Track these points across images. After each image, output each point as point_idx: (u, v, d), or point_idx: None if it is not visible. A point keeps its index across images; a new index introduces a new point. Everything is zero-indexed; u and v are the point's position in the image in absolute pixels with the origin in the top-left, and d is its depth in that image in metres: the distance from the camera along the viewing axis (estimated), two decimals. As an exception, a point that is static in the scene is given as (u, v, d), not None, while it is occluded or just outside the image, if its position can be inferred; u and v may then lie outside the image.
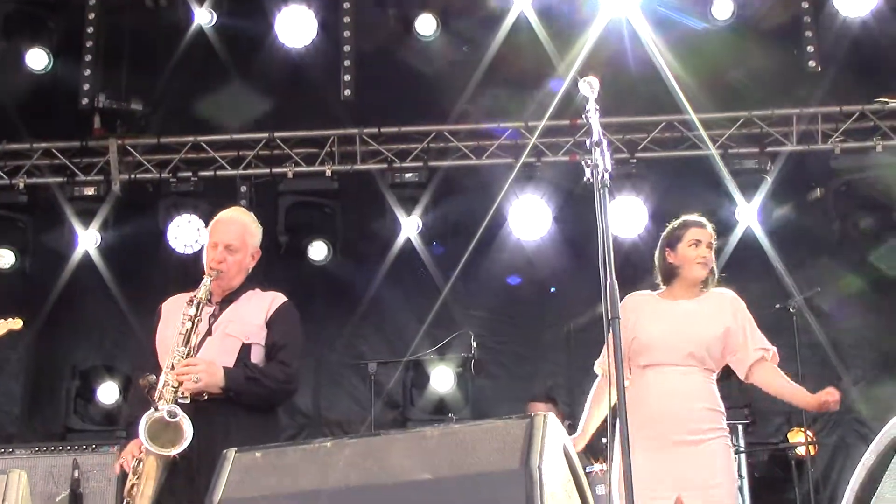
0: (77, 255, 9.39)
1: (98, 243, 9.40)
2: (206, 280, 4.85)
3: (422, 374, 9.46)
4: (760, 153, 9.16)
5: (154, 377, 4.66)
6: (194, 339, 4.75)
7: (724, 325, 5.15)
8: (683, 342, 5.01)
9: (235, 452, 3.45)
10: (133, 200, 9.54)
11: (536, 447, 3.06)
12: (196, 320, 4.76)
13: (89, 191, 9.39)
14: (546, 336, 9.76)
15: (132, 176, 9.44)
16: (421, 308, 9.75)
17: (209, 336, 4.84)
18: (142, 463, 4.58)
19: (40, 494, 7.47)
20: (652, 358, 5.04)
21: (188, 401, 4.59)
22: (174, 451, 4.51)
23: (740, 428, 8.92)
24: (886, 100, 8.98)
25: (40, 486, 7.51)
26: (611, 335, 3.84)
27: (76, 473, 7.49)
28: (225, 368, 4.69)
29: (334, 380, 9.75)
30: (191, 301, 4.79)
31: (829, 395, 5.14)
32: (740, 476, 8.94)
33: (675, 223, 5.40)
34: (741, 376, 5.24)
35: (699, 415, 4.95)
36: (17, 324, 6.64)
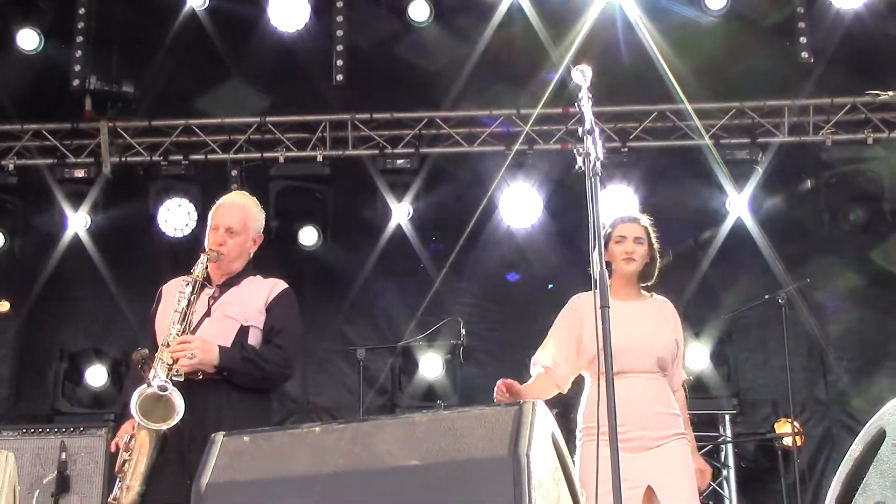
0: (67, 237, 9.38)
1: (88, 226, 9.39)
2: (203, 258, 4.88)
3: (411, 360, 9.46)
4: (752, 144, 9.17)
5: (147, 351, 4.68)
6: (190, 318, 4.76)
7: (674, 337, 5.18)
8: (651, 351, 5.02)
9: (224, 436, 3.45)
10: (123, 183, 9.52)
11: (525, 434, 3.06)
12: (192, 298, 4.78)
13: (79, 173, 9.37)
14: (535, 324, 9.71)
15: (123, 159, 9.42)
16: (411, 294, 9.77)
17: (207, 317, 4.86)
18: (134, 439, 4.59)
19: (27, 476, 7.47)
20: (621, 365, 4.92)
21: (182, 378, 4.59)
22: (165, 426, 4.52)
23: (727, 418, 8.97)
24: (878, 92, 8.98)
25: (27, 468, 7.51)
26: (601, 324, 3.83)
27: (63, 456, 7.48)
28: (220, 347, 4.70)
29: (323, 366, 9.75)
30: (187, 280, 4.81)
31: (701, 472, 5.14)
32: (727, 466, 8.99)
33: (608, 222, 5.38)
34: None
35: (666, 419, 4.97)
36: (3, 306, 6.63)
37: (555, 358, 5.28)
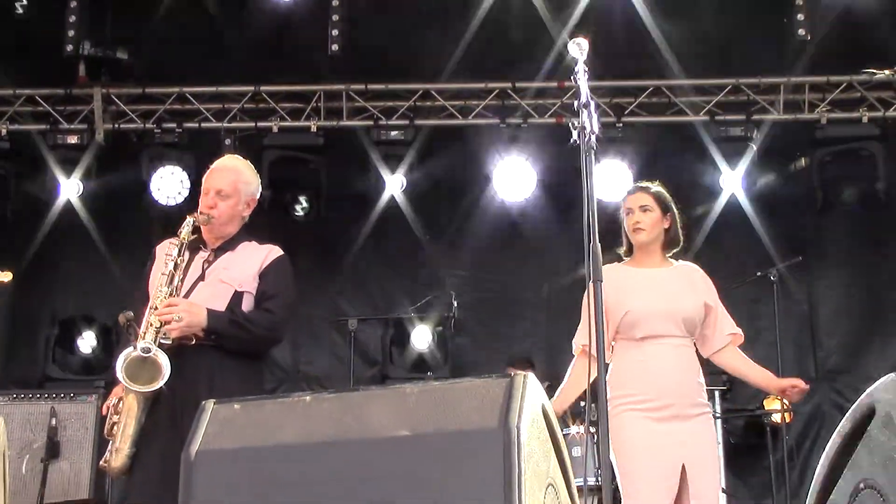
0: (59, 203, 9.36)
1: (80, 192, 9.36)
2: (189, 220, 4.85)
3: (402, 332, 9.48)
4: (746, 121, 9.15)
5: (132, 314, 4.65)
6: (180, 281, 4.75)
7: (702, 299, 5.13)
8: (677, 312, 4.99)
9: (214, 404, 3.45)
10: (116, 150, 9.48)
11: (515, 407, 3.07)
12: (179, 261, 4.76)
13: (72, 139, 9.32)
14: (526, 295, 9.78)
15: (116, 126, 9.38)
16: (403, 265, 9.80)
17: (201, 281, 4.84)
18: (122, 402, 4.59)
19: (17, 441, 7.48)
20: (650, 329, 4.96)
21: (170, 341, 4.58)
22: (151, 389, 4.51)
23: (717, 394, 8.99)
24: (874, 71, 8.96)
25: (17, 433, 7.52)
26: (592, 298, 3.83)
27: (53, 421, 7.50)
28: (209, 310, 4.68)
29: (314, 335, 9.76)
30: (174, 242, 4.80)
31: (795, 386, 5.16)
32: (717, 443, 9.03)
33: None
34: (704, 354, 5.21)
35: (696, 388, 4.97)
36: (6, 276, 6.61)
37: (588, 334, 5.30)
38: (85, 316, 9.57)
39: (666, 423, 4.78)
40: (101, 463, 4.72)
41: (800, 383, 5.21)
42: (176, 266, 4.76)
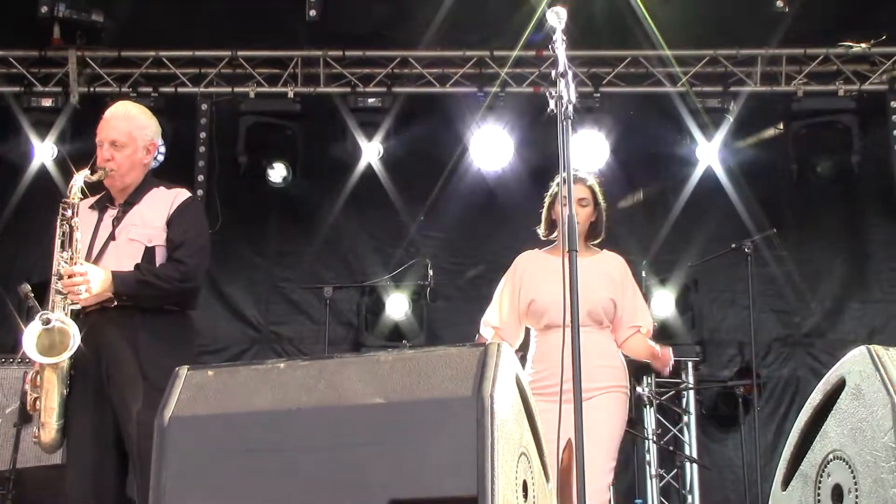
0: (33, 167, 9.26)
1: (55, 156, 9.28)
2: (77, 178, 4.71)
3: (378, 299, 9.47)
4: (723, 92, 9.15)
5: (29, 286, 4.60)
6: (77, 243, 4.61)
7: (610, 294, 5.30)
8: (582, 304, 5.06)
9: (188, 370, 3.45)
10: (91, 113, 9.37)
11: (489, 376, 3.08)
12: (74, 223, 4.62)
13: (46, 102, 9.24)
14: (503, 263, 9.76)
15: (91, 89, 9.30)
16: (380, 233, 9.79)
17: (113, 241, 4.75)
18: (39, 376, 4.53)
19: (-10, 406, 7.45)
20: (551, 319, 5.15)
21: (78, 306, 4.51)
22: (60, 359, 4.45)
23: (690, 365, 9.07)
24: (851, 44, 8.99)
25: (-10, 397, 7.49)
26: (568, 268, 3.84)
27: (26, 387, 7.45)
28: (114, 273, 4.57)
29: (290, 301, 9.76)
30: (65, 204, 4.65)
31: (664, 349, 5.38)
32: (688, 412, 9.11)
33: (555, 180, 5.43)
34: (616, 343, 5.41)
35: (596, 372, 5.04)
36: None
37: (501, 316, 5.47)
38: (58, 280, 9.50)
39: (566, 404, 4.83)
40: (32, 439, 4.66)
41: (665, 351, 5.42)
42: (71, 228, 4.61)
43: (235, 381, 3.38)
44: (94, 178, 4.78)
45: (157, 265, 4.73)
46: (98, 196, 4.93)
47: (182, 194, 4.93)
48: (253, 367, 3.44)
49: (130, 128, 4.90)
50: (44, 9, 8.62)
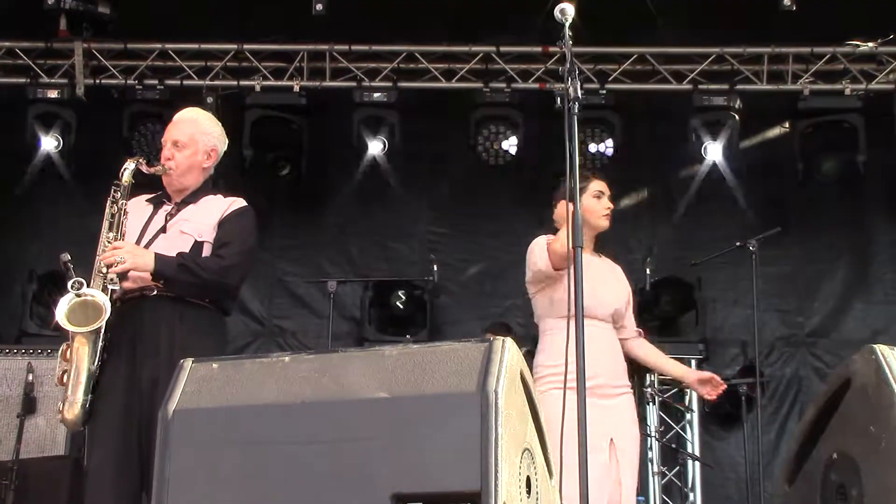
0: (39, 158, 9.27)
1: (60, 147, 9.28)
2: (129, 164, 4.82)
3: (381, 294, 9.48)
4: (730, 90, 9.14)
5: (69, 255, 4.62)
6: (122, 224, 4.70)
7: (626, 292, 5.33)
8: (611, 298, 5.11)
9: (192, 363, 3.45)
10: (97, 106, 9.41)
11: (494, 371, 3.08)
12: (122, 205, 4.72)
13: (52, 94, 9.24)
14: (506, 257, 9.78)
15: (97, 81, 9.30)
16: (384, 227, 9.79)
17: (163, 233, 4.81)
18: (69, 350, 4.56)
19: (-7, 397, 7.46)
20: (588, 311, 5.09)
21: (117, 287, 4.55)
22: (91, 328, 4.47)
23: (694, 363, 9.04)
24: (858, 43, 8.98)
25: (-7, 388, 7.50)
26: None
27: (30, 377, 7.46)
28: (157, 254, 4.63)
29: (294, 295, 9.76)
30: (116, 185, 4.75)
31: (711, 383, 5.23)
32: (690, 410, 9.11)
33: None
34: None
35: (616, 370, 5.09)
36: None
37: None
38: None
39: (592, 401, 4.84)
40: (56, 415, 4.68)
41: (716, 378, 5.28)
42: (120, 210, 4.71)
43: (240, 374, 3.38)
44: (151, 170, 4.89)
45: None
46: (157, 193, 5.00)
47: (238, 202, 4.98)
48: (258, 360, 3.44)
49: (193, 131, 4.98)
50: (50, 0, 8.62)
